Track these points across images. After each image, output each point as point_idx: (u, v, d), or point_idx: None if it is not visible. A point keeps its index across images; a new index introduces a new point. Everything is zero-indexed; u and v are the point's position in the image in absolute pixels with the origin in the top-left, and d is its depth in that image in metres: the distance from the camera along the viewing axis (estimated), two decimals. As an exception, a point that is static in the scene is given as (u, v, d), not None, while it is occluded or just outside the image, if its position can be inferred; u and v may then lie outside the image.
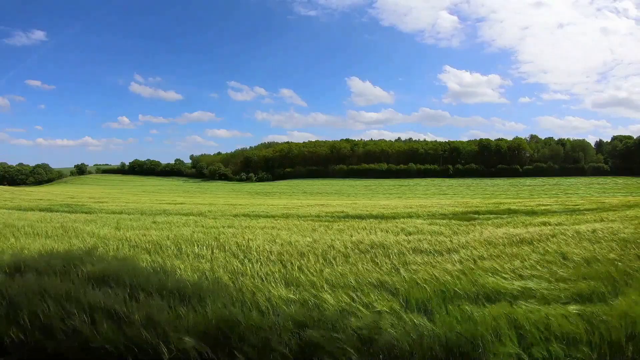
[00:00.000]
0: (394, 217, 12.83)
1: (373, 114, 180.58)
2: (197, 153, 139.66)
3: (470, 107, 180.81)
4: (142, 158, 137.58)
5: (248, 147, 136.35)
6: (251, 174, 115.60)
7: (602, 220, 9.95)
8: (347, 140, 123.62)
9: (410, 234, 8.31)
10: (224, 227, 10.03)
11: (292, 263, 5.41)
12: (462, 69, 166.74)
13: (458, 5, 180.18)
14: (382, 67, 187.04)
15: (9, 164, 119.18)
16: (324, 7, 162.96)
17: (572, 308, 3.22)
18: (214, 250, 6.37)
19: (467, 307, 3.38)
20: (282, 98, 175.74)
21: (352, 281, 4.39)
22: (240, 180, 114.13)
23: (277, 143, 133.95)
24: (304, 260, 5.56)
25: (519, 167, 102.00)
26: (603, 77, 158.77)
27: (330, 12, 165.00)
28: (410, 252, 6.11)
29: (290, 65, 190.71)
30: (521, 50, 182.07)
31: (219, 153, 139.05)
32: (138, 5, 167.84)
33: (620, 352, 2.67)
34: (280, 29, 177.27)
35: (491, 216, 12.75)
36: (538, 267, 4.79)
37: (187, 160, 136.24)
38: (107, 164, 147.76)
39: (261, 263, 5.48)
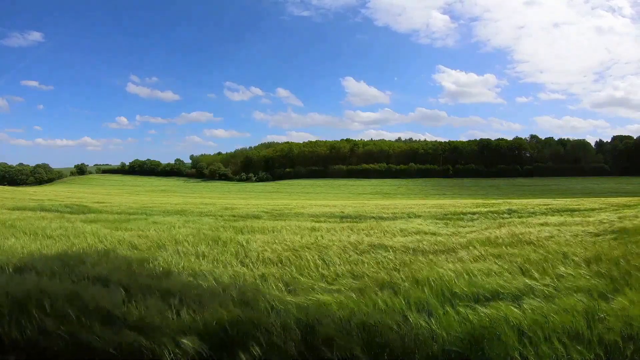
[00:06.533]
0: (393, 218, 12.82)
1: (370, 114, 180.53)
2: (196, 153, 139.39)
3: (467, 107, 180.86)
4: (142, 158, 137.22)
5: (248, 147, 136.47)
6: (251, 174, 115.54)
7: (602, 221, 9.93)
8: (347, 140, 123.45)
9: (409, 234, 8.29)
10: (224, 227, 10.01)
11: (292, 263, 5.39)
12: (458, 69, 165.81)
13: (452, 4, 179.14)
14: (377, 67, 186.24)
15: (9, 164, 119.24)
16: (317, 7, 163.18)
17: (573, 307, 3.21)
18: (214, 251, 6.36)
19: (468, 307, 3.37)
20: (279, 98, 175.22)
21: (353, 281, 4.37)
22: (241, 180, 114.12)
23: (277, 143, 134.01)
24: (304, 260, 5.55)
25: (519, 167, 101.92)
26: (600, 77, 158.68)
27: (324, 12, 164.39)
28: (411, 252, 6.09)
29: (285, 65, 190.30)
30: (517, 49, 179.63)
31: (219, 153, 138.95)
32: (133, 7, 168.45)
33: (619, 352, 2.67)
34: (275, 30, 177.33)
35: (492, 216, 12.75)
36: (539, 267, 4.78)
37: (187, 160, 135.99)
38: (107, 164, 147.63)
39: (260, 263, 5.47)
